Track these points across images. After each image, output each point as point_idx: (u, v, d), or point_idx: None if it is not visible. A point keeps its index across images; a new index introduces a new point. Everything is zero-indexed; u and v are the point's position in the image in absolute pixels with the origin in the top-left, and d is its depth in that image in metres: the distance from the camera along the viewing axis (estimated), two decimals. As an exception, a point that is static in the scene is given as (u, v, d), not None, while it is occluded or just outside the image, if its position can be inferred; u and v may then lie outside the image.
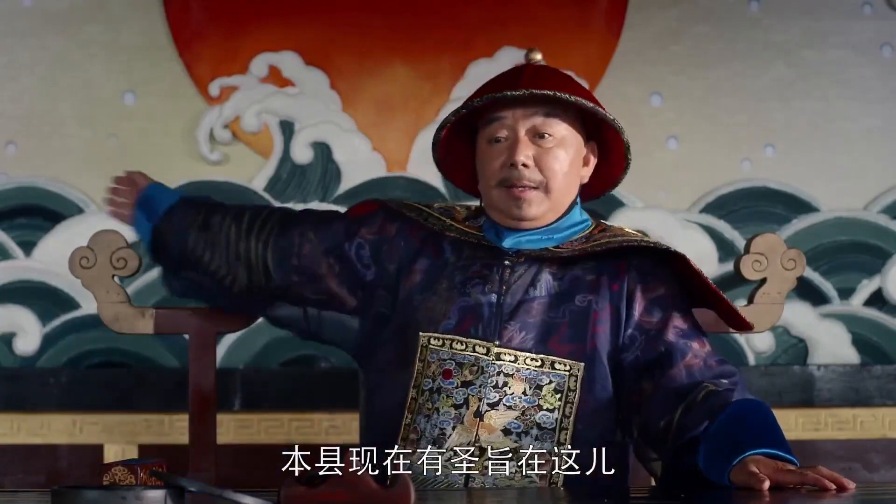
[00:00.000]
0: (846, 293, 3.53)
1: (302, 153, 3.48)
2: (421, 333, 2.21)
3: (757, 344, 3.47)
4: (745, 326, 2.31)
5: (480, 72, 3.34)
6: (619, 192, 3.48)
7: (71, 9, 3.46)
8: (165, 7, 3.47)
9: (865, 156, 3.53)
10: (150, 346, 3.41)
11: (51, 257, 3.41)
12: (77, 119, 3.46)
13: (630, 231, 2.29)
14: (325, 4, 3.48)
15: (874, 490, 2.20)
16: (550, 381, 2.14)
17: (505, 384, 2.13)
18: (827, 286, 3.52)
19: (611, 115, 2.22)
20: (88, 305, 3.35)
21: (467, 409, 2.13)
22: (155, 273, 3.42)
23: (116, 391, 3.38)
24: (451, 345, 2.18)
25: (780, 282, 2.51)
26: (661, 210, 3.49)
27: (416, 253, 2.29)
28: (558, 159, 2.20)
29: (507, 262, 2.22)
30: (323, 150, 3.49)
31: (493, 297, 2.19)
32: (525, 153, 2.19)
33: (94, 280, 2.49)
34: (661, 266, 2.25)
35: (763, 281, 2.52)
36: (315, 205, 3.46)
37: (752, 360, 3.48)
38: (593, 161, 2.29)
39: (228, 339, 3.41)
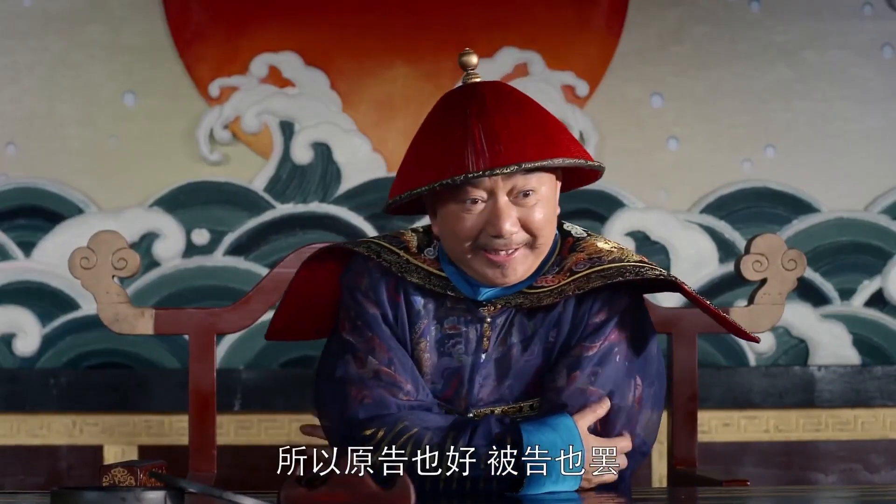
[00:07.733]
0: (847, 294, 3.53)
1: (302, 154, 3.48)
2: None
3: (757, 345, 3.46)
4: (750, 338, 2.11)
5: (481, 72, 3.31)
6: (620, 192, 3.48)
7: (71, 9, 3.46)
8: (165, 8, 3.46)
9: (866, 156, 3.53)
10: (150, 346, 3.41)
11: (50, 258, 3.41)
12: (77, 120, 3.45)
13: (605, 247, 2.08)
14: (325, 5, 3.48)
15: (875, 491, 2.19)
16: None
17: None
18: (828, 287, 3.52)
19: (583, 158, 1.99)
20: (88, 306, 3.35)
21: None
22: (155, 274, 3.43)
23: (116, 392, 3.38)
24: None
25: (780, 282, 2.51)
26: (662, 210, 3.49)
27: (388, 300, 2.09)
28: (543, 212, 1.99)
29: (482, 314, 2.05)
30: (323, 151, 3.49)
31: (474, 358, 2.04)
32: (511, 220, 1.96)
33: (93, 280, 2.48)
34: (619, 293, 2.05)
35: (764, 281, 2.52)
36: (315, 206, 3.46)
37: (752, 360, 3.47)
38: (559, 185, 2.06)
39: (228, 340, 3.40)
